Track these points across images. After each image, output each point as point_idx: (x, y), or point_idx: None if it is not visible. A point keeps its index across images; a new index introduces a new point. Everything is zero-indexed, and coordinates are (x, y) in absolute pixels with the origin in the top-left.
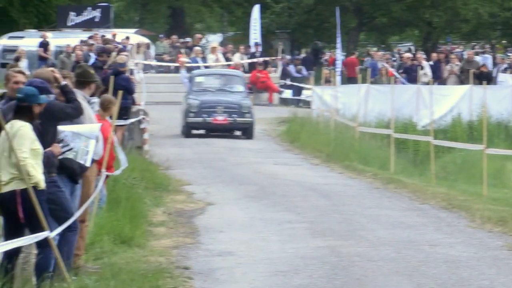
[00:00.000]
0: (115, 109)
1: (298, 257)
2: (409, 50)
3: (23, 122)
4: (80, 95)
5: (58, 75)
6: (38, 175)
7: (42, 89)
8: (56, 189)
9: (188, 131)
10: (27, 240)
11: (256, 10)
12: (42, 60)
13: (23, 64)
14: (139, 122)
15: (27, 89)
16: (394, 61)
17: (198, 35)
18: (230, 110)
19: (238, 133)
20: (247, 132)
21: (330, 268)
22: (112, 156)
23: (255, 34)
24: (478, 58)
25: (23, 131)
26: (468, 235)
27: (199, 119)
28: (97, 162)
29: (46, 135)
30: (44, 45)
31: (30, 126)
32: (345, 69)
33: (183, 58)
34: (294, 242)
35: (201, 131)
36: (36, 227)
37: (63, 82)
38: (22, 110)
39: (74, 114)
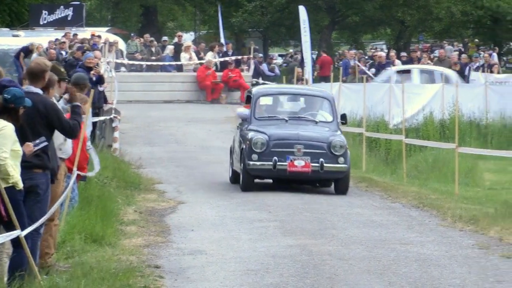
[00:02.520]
0: (86, 107)
1: (269, 256)
2: (388, 49)
3: (6, 122)
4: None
5: (75, 93)
6: (16, 175)
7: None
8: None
9: (248, 181)
10: (0, 239)
11: (219, 10)
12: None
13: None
14: (111, 120)
15: (15, 91)
16: (367, 59)
17: (179, 33)
18: (314, 151)
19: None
20: (339, 184)
21: (301, 267)
22: (85, 156)
23: (221, 33)
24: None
25: (5, 131)
26: (440, 233)
27: (267, 164)
28: (67, 161)
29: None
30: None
31: (13, 127)
32: (319, 67)
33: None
34: (265, 240)
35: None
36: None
37: (77, 103)
38: (7, 111)
39: (69, 132)
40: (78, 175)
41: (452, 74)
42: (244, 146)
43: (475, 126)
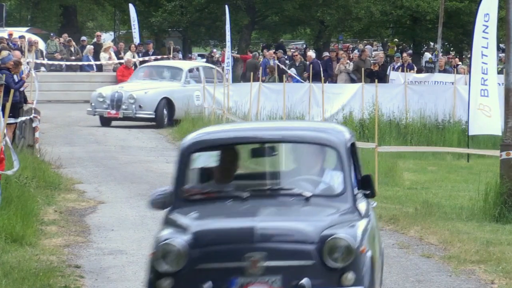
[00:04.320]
0: None
1: None
2: (305, 49)
3: None
4: None
5: None
6: None
7: None
8: None
9: None
10: None
11: (132, 10)
12: None
13: None
14: (31, 120)
15: None
16: (286, 59)
17: (98, 33)
18: (288, 263)
19: None
20: None
21: None
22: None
23: (135, 33)
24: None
25: None
26: None
27: None
28: None
29: None
30: None
31: None
32: (244, 65)
33: None
34: None
35: None
36: None
37: None
38: None
39: None
40: None
41: (216, 71)
42: (152, 256)
43: (395, 125)
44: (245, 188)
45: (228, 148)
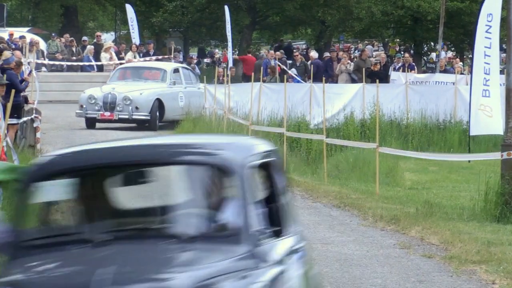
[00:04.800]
0: None
1: None
2: (306, 49)
3: None
4: None
5: None
6: None
7: None
8: None
9: None
10: None
11: (130, 10)
12: None
13: None
14: (32, 120)
15: None
16: (287, 59)
17: (98, 33)
18: None
19: None
20: None
21: None
22: (3, 152)
23: (133, 33)
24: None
25: None
26: (361, 233)
27: None
28: None
29: None
30: None
31: None
32: (243, 66)
33: None
34: None
35: None
36: None
37: None
38: None
39: None
40: None
41: (190, 72)
42: None
43: (396, 126)
44: (104, 228)
45: (82, 175)
